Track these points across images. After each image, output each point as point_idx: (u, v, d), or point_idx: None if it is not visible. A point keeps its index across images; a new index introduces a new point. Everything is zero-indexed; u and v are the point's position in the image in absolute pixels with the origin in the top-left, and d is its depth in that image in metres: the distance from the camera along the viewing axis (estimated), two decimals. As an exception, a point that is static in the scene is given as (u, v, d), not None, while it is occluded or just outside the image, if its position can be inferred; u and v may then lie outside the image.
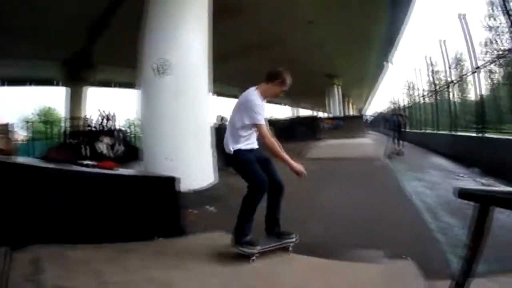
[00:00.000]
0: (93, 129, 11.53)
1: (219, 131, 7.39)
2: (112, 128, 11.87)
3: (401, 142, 9.05)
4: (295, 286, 2.00)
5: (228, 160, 2.58)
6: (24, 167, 2.85)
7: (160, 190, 3.09)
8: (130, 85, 15.94)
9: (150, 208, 2.94)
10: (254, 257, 2.30)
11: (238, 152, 2.43)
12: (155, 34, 4.74)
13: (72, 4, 8.96)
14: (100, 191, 2.80)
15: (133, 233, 2.77)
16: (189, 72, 4.72)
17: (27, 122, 18.47)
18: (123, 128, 13.21)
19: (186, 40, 4.75)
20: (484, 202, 1.24)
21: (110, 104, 18.21)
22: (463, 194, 1.51)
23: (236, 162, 2.46)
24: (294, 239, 2.50)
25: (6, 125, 13.69)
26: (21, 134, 15.65)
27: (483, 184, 4.52)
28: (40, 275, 2.05)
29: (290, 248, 2.48)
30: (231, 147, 2.44)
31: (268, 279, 2.11)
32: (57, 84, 15.09)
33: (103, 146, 10.61)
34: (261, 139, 2.49)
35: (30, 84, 15.68)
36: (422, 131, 11.50)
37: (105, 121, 11.67)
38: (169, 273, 2.18)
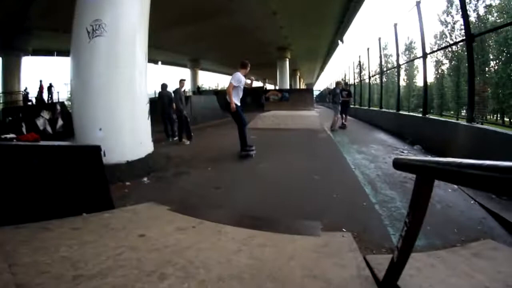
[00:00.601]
0: (31, 103, 10.29)
1: (161, 99, 7.46)
2: (52, 101, 10.75)
3: (344, 116, 9.29)
4: (219, 261, 1.84)
5: (227, 109, 5.05)
6: None
7: (84, 161, 2.77)
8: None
9: (74, 182, 2.65)
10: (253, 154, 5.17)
11: (236, 105, 4.93)
12: None
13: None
14: (18, 166, 2.44)
15: (57, 210, 2.48)
16: (125, 36, 4.34)
17: None
18: (64, 101, 11.99)
19: (125, 4, 4.35)
20: (422, 173, 1.15)
21: (50, 75, 16.49)
22: (399, 164, 1.40)
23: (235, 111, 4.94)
24: (254, 150, 5.26)
25: None
26: None
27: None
28: None
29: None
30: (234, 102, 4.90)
31: (187, 254, 1.94)
32: None
33: (44, 121, 9.61)
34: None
35: None
36: (369, 108, 11.92)
37: (45, 93, 10.51)
38: (82, 250, 1.92)
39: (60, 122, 10.04)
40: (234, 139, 5.73)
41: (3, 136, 3.12)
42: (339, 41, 20.14)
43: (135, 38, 4.49)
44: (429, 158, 1.09)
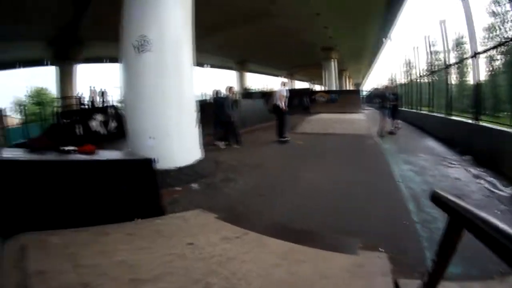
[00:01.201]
0: (86, 107, 11.28)
1: (215, 104, 7.82)
2: (105, 104, 11.68)
3: (395, 120, 8.85)
4: (260, 273, 1.95)
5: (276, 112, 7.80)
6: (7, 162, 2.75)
7: (137, 172, 3.04)
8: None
9: (128, 190, 2.91)
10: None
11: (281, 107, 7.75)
12: (134, 10, 4.54)
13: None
14: (78, 177, 2.76)
15: (112, 216, 2.76)
16: (171, 48, 4.59)
17: (20, 105, 18.17)
18: (115, 104, 12.99)
19: (167, 16, 4.59)
20: (453, 216, 1.12)
21: (102, 80, 17.97)
22: (436, 199, 1.37)
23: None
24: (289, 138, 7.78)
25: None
26: (15, 118, 15.41)
27: (474, 175, 4.41)
28: (25, 261, 2.10)
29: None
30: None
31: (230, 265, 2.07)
32: (46, 64, 14.62)
33: (96, 124, 10.51)
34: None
35: (19, 66, 15.11)
36: (418, 111, 11.24)
37: (97, 98, 11.49)
38: (137, 256, 2.15)
39: (112, 123, 10.83)
40: (279, 143, 6.95)
41: (65, 148, 3.49)
42: (385, 39, 19.23)
43: (180, 49, 4.72)
44: (464, 204, 1.07)
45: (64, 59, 13.77)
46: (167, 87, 4.54)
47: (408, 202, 3.38)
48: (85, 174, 2.82)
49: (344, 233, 2.63)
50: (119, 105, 13.95)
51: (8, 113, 13.63)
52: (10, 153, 3.22)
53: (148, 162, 3.05)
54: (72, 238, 2.48)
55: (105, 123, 10.68)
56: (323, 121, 11.55)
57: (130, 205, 2.89)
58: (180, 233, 2.53)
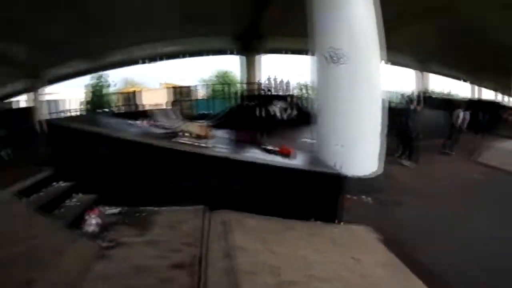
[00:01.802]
0: (267, 93, 12.82)
1: (405, 115, 7.03)
2: (286, 93, 13.11)
3: None
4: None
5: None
6: (229, 160, 3.76)
7: (325, 182, 3.64)
8: (298, 51, 17.19)
9: (311, 194, 3.60)
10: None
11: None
12: (324, 24, 4.83)
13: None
14: (276, 177, 3.62)
15: (295, 212, 3.53)
16: (362, 59, 4.73)
17: (206, 84, 23.45)
18: (295, 93, 14.41)
19: (359, 28, 4.71)
20: None
21: (282, 70, 20.26)
22: None
23: None
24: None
25: (188, 87, 18.11)
26: (201, 93, 20.25)
27: None
28: (228, 234, 2.75)
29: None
30: None
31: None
32: (232, 53, 17.65)
33: (276, 109, 11.95)
34: None
35: (208, 54, 18.67)
36: None
37: (278, 86, 13.24)
38: (315, 256, 2.82)
39: (292, 111, 12.13)
40: (464, 169, 5.87)
41: (268, 147, 4.47)
42: None
43: (370, 58, 4.82)
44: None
45: (249, 50, 16.57)
46: (358, 97, 4.72)
47: None
48: (282, 176, 3.62)
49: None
50: (299, 94, 15.43)
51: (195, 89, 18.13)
52: (222, 149, 4.41)
53: (337, 177, 3.64)
54: (265, 225, 3.23)
55: (284, 110, 12.07)
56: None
57: (311, 206, 3.57)
58: (348, 245, 3.07)
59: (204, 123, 6.24)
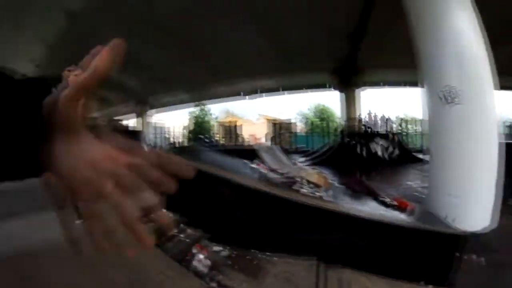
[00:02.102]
0: (368, 130, 12.36)
1: None
2: (387, 130, 12.35)
3: None
4: None
5: None
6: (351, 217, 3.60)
7: (439, 242, 3.19)
8: (399, 84, 16.06)
9: (422, 255, 3.11)
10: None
11: None
12: (437, 61, 4.52)
13: (327, 18, 10.18)
14: (390, 234, 3.29)
15: (402, 272, 3.01)
16: (477, 98, 4.29)
17: (305, 118, 23.35)
18: (397, 131, 13.43)
19: (474, 68, 4.29)
20: None
21: (384, 105, 19.10)
22: None
23: None
24: None
25: (287, 122, 18.28)
26: (299, 126, 20.22)
27: None
28: None
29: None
30: None
31: None
32: (330, 88, 17.35)
33: (378, 147, 11.37)
34: None
35: (305, 89, 18.82)
36: None
37: (379, 123, 12.42)
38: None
39: (394, 151, 11.32)
40: None
41: (385, 200, 4.13)
42: None
43: (485, 97, 4.31)
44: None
45: (347, 85, 15.96)
46: (474, 141, 4.25)
47: None
48: (397, 233, 3.27)
49: None
50: (400, 130, 14.28)
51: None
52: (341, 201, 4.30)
53: (456, 238, 3.18)
54: (374, 283, 2.85)
55: (386, 149, 11.29)
56: None
57: (420, 269, 3.04)
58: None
59: (322, 172, 6.09)
